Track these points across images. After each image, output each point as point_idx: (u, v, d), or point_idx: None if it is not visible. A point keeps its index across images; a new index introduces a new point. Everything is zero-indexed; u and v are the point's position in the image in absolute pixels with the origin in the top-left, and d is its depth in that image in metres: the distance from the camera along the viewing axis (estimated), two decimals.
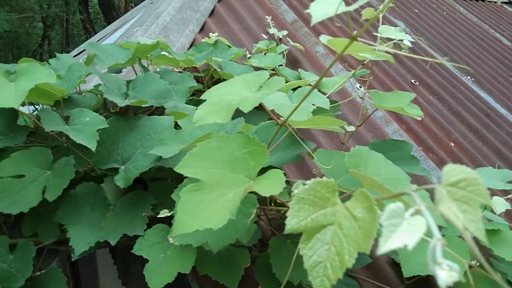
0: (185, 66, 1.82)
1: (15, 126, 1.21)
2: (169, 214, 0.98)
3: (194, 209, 0.65)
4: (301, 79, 2.09)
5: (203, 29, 2.44)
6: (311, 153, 0.89)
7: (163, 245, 1.00)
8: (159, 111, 1.41)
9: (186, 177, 1.18)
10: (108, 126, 0.99)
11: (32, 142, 1.26)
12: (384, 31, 1.27)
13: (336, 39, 0.64)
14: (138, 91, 1.21)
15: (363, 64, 1.58)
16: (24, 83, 0.88)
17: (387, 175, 0.71)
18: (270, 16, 2.54)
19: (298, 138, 1.03)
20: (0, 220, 1.15)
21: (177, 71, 1.56)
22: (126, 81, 1.23)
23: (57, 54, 1.42)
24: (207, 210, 0.64)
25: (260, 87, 0.76)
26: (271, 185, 0.63)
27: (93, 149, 0.92)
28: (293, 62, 2.39)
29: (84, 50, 3.15)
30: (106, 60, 1.30)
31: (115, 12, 11.84)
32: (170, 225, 1.04)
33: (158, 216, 0.98)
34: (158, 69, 1.56)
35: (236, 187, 0.67)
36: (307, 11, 0.58)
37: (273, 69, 2.01)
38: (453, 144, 2.29)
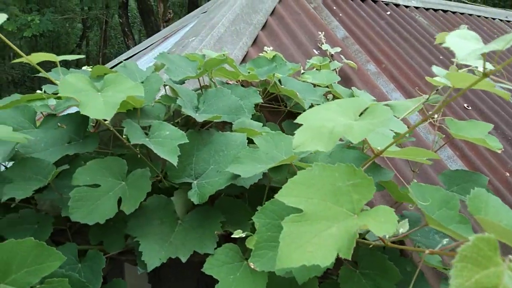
0: (239, 80, 1.82)
1: (85, 132, 1.22)
2: (243, 235, 0.96)
3: (297, 241, 0.62)
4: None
5: (256, 42, 2.43)
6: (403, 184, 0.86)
7: (232, 265, 0.98)
8: (219, 125, 1.40)
9: (256, 197, 1.16)
10: (188, 141, 0.98)
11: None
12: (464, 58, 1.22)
13: (459, 74, 0.61)
14: (209, 105, 1.20)
15: (437, 90, 1.53)
16: (112, 94, 0.88)
17: (508, 221, 0.66)
18: (323, 32, 2.52)
19: (379, 166, 0.99)
20: (66, 227, 1.15)
21: (234, 85, 1.56)
22: (197, 94, 1.22)
23: (124, 62, 1.43)
24: (310, 243, 0.62)
25: (360, 114, 0.73)
26: (382, 224, 0.60)
27: (175, 164, 0.91)
28: (344, 79, 2.35)
29: (126, 58, 3.22)
30: (175, 71, 1.31)
31: (153, 18, 12.09)
32: (240, 244, 1.02)
33: (232, 236, 0.96)
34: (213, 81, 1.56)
35: (339, 221, 0.64)
36: (445, 45, 0.55)
37: (326, 86, 1.98)
38: (508, 174, 2.19)
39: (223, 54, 1.53)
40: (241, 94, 1.35)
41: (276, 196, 0.66)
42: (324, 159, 1.05)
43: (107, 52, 14.56)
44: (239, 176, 0.98)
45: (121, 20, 11.88)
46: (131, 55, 3.07)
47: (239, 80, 1.85)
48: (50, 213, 1.18)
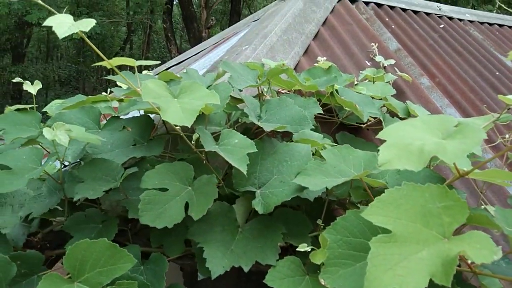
0: (293, 89, 1.81)
1: (149, 136, 1.24)
2: (308, 250, 0.94)
3: (386, 263, 0.60)
4: (409, 112, 2.00)
5: (307, 52, 2.42)
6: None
7: (294, 279, 0.96)
8: (271, 134, 1.39)
9: (313, 209, 1.14)
10: (256, 150, 0.98)
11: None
12: None
13: None
14: (271, 114, 1.20)
15: (508, 109, 1.46)
16: (188, 101, 0.89)
17: None
18: (377, 44, 2.47)
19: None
20: (127, 228, 1.17)
21: (294, 95, 1.55)
22: (259, 103, 1.22)
23: (187, 69, 1.45)
24: (400, 267, 0.59)
25: (448, 132, 0.70)
26: (479, 251, 0.57)
27: (245, 172, 0.91)
28: (397, 92, 2.29)
29: (175, 64, 3.27)
30: (238, 80, 1.31)
31: (196, 24, 12.34)
32: (301, 257, 1.00)
33: (298, 249, 0.94)
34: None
35: (429, 244, 0.61)
36: None
37: (380, 99, 1.93)
38: None
39: (283, 64, 1.52)
40: (301, 104, 1.34)
41: (362, 214, 0.64)
42: (392, 176, 1.02)
43: (149, 56, 14.97)
44: (305, 188, 0.96)
45: (165, 26, 12.19)
46: (181, 60, 3.13)
47: (291, 90, 1.84)
48: (110, 213, 1.21)
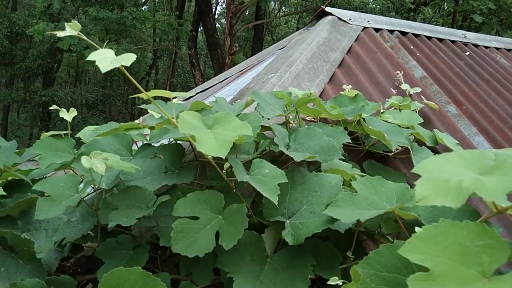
0: (319, 117, 1.82)
1: (180, 163, 1.27)
2: (340, 283, 0.93)
3: None
4: (437, 140, 1.98)
5: (332, 80, 2.44)
6: None
7: None
8: (296, 163, 1.40)
9: (342, 240, 1.13)
10: (287, 180, 0.98)
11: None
12: None
13: None
14: (299, 143, 1.21)
15: None
16: (222, 132, 0.91)
17: None
18: (402, 72, 2.47)
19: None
20: (157, 255, 1.18)
21: (321, 124, 1.56)
22: (288, 132, 1.23)
23: (216, 97, 1.48)
24: None
25: (486, 168, 0.69)
26: None
27: (276, 202, 0.92)
28: (424, 120, 2.27)
29: (202, 91, 3.34)
30: (266, 108, 1.33)
31: (220, 51, 12.61)
32: None
33: (328, 283, 0.93)
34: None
35: (469, 284, 0.60)
36: None
37: (407, 127, 1.92)
38: None
39: (310, 93, 1.54)
40: (329, 133, 1.34)
41: (399, 251, 0.63)
42: (425, 209, 1.01)
43: (174, 81, 15.35)
44: (336, 220, 0.96)
45: (190, 52, 12.51)
46: (207, 87, 3.20)
47: (317, 117, 1.85)
48: (139, 239, 1.22)
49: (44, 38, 11.66)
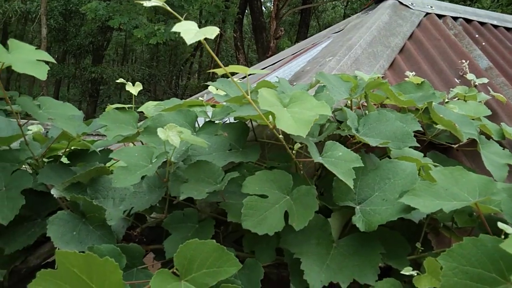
0: (379, 103, 1.76)
1: (245, 142, 1.26)
2: (414, 274, 0.90)
3: None
4: (504, 135, 1.87)
5: (392, 66, 2.35)
6: None
7: None
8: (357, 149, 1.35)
9: (407, 229, 1.09)
10: (363, 165, 0.95)
11: None
12: None
13: None
14: (369, 128, 1.17)
15: None
16: (299, 111, 0.89)
17: None
18: (468, 61, 2.34)
19: None
20: (219, 230, 1.19)
21: (389, 110, 1.50)
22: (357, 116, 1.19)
23: (279, 78, 1.46)
24: None
25: None
26: None
27: (351, 186, 0.89)
28: None
29: (251, 74, 3.32)
30: (332, 91, 1.30)
31: (265, 34, 12.52)
32: (401, 280, 0.96)
33: (402, 273, 0.90)
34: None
35: None
36: None
37: (473, 119, 1.82)
38: None
39: (378, 77, 1.49)
40: (399, 120, 1.29)
41: (502, 245, 0.60)
42: (507, 203, 0.95)
43: (217, 64, 15.37)
44: (413, 208, 0.92)
45: (235, 35, 12.51)
46: (259, 69, 3.17)
47: (377, 104, 1.79)
48: (202, 213, 1.24)
49: (96, 16, 12.00)
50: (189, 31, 0.83)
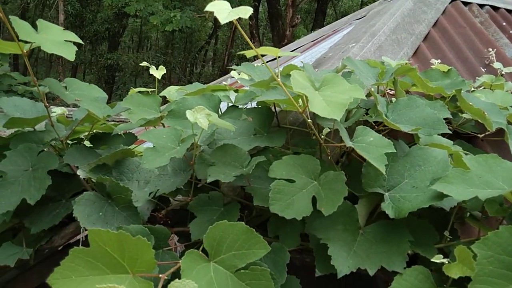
0: (407, 90, 1.72)
1: (269, 127, 1.25)
2: (445, 262, 0.88)
3: None
4: None
5: (416, 53, 2.30)
6: None
7: None
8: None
9: (433, 218, 1.07)
10: (395, 150, 0.94)
11: None
12: None
13: None
14: (399, 114, 1.15)
15: None
16: (331, 94, 0.88)
17: None
18: (495, 49, 2.28)
19: None
20: (243, 214, 1.19)
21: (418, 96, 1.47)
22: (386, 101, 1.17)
23: (304, 64, 1.44)
24: None
25: None
26: None
27: (384, 172, 0.88)
28: None
29: (270, 60, 3.29)
30: (360, 76, 1.27)
31: (281, 22, 12.39)
32: (430, 269, 0.94)
33: (433, 260, 0.89)
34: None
35: None
36: None
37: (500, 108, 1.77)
38: None
39: (406, 63, 1.46)
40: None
41: None
42: None
43: (232, 52, 15.39)
44: (444, 196, 0.90)
45: (250, 22, 12.41)
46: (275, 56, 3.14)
47: (409, 91, 1.75)
48: (227, 197, 1.23)
49: (112, 2, 12.03)
50: (222, 10, 0.82)
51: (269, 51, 0.92)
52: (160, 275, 0.79)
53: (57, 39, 1.15)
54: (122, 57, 15.96)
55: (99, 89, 1.38)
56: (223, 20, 0.80)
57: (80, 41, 1.20)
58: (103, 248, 0.74)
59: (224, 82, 1.47)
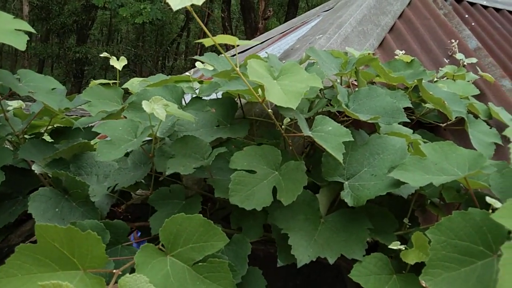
0: (368, 81, 1.74)
1: (233, 118, 1.24)
2: (402, 248, 0.90)
3: None
4: (491, 114, 1.88)
5: (382, 45, 2.33)
6: None
7: (381, 277, 0.92)
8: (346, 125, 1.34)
9: (394, 205, 1.09)
10: (353, 139, 0.94)
11: None
12: None
13: None
14: (360, 104, 1.15)
15: None
16: (289, 83, 0.87)
17: None
18: (457, 41, 2.33)
19: None
20: (207, 207, 1.18)
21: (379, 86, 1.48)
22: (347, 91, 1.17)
23: (268, 54, 1.43)
24: None
25: None
26: None
27: (341, 160, 0.88)
28: None
29: (240, 52, 3.26)
30: (323, 67, 1.27)
31: (253, 15, 12.34)
32: (388, 255, 0.96)
33: (390, 247, 0.90)
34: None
35: None
36: None
37: (461, 98, 1.82)
38: None
39: (369, 53, 1.47)
40: (389, 96, 1.27)
41: (493, 216, 0.59)
42: (495, 179, 0.95)
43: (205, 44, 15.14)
44: (402, 183, 0.91)
45: (223, 15, 12.30)
46: (246, 48, 3.12)
47: (373, 82, 1.77)
48: (188, 190, 1.21)
49: None
50: None
51: (227, 39, 0.90)
52: (114, 271, 0.76)
53: (6, 28, 1.09)
54: (91, 51, 15.52)
55: (55, 80, 1.33)
56: (175, 6, 0.78)
57: (32, 30, 1.14)
58: (51, 244, 0.71)
59: (187, 73, 1.44)
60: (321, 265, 1.06)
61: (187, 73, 1.45)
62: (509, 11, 3.17)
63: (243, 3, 12.35)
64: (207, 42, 0.92)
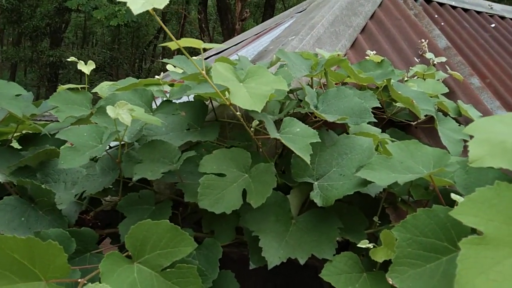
0: (341, 82, 1.76)
1: (203, 121, 1.23)
2: (370, 246, 0.91)
3: (478, 267, 0.56)
4: (460, 112, 1.92)
5: (354, 45, 2.36)
6: None
7: (351, 275, 0.93)
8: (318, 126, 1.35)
9: (364, 204, 1.10)
10: (320, 140, 0.94)
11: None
12: None
13: None
14: (328, 105, 1.16)
15: None
16: (255, 86, 0.87)
17: None
18: (427, 40, 2.38)
19: None
20: (178, 211, 1.16)
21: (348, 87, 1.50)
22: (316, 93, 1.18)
23: (239, 56, 1.43)
24: (493, 271, 0.55)
25: None
26: None
27: (308, 161, 0.88)
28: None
29: (215, 54, 3.25)
30: (293, 68, 1.28)
31: (230, 16, 12.33)
32: (359, 254, 0.97)
33: (359, 246, 0.91)
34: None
35: None
36: None
37: (431, 97, 1.86)
38: None
39: (338, 54, 1.48)
40: (358, 97, 1.29)
41: (451, 213, 0.60)
42: (460, 176, 0.97)
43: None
44: (369, 182, 0.92)
45: (199, 16, 12.25)
46: (221, 50, 3.11)
47: (338, 82, 1.79)
48: (159, 195, 1.20)
49: None
50: (136, 0, 0.78)
51: (192, 42, 0.90)
52: (79, 280, 0.75)
53: None
54: (66, 54, 15.20)
55: (19, 86, 1.29)
56: (136, 10, 0.77)
57: None
58: (10, 256, 0.69)
59: (157, 76, 1.42)
60: (301, 265, 1.07)
61: (157, 76, 1.43)
62: (476, 11, 3.26)
63: (220, 4, 12.34)
64: (172, 45, 0.91)
